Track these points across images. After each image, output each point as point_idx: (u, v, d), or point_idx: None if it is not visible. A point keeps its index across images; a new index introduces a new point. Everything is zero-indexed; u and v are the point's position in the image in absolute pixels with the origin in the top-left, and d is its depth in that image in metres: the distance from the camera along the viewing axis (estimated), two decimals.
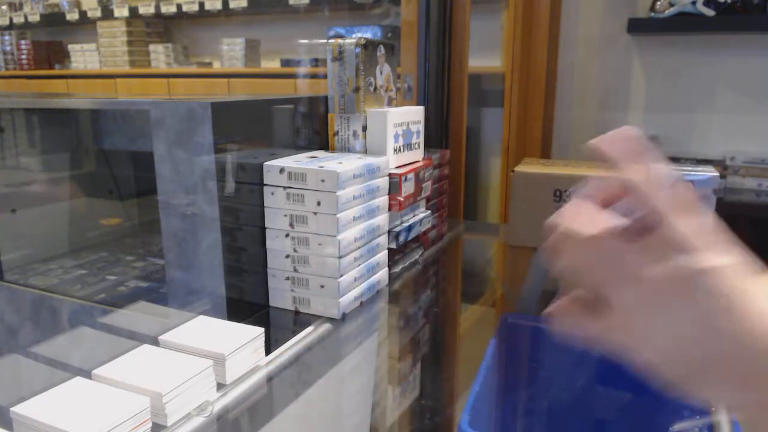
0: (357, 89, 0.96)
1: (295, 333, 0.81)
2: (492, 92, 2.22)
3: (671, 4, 1.80)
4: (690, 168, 1.12)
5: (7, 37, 3.83)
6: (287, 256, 0.85)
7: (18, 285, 1.09)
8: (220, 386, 0.65)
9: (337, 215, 0.81)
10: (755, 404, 0.28)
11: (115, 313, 0.96)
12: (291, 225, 0.84)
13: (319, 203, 0.81)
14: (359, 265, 0.88)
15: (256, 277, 0.88)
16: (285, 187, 0.83)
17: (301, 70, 2.72)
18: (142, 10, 3.30)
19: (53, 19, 3.69)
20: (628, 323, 0.32)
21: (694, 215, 0.30)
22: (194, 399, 0.61)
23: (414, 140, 1.05)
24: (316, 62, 2.67)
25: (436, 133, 1.44)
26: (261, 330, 0.71)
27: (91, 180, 1.37)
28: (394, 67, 1.07)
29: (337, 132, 0.98)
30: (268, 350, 0.73)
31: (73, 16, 3.58)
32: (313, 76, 2.72)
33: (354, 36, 0.96)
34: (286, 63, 2.98)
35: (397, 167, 0.99)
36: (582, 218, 0.33)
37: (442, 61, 1.41)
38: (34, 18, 3.74)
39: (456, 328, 0.97)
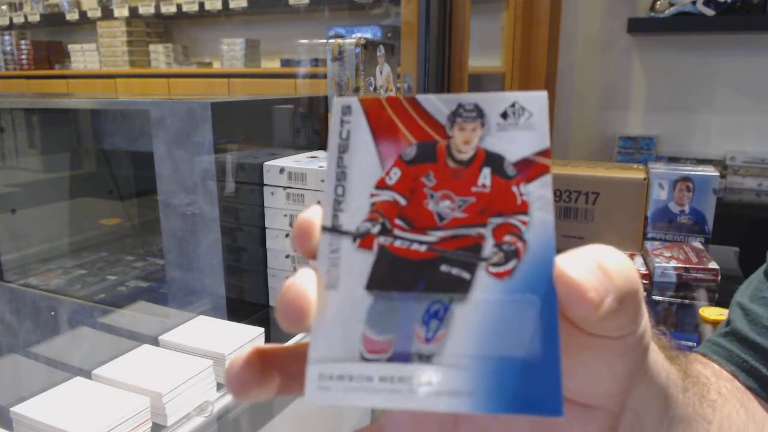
0: (357, 89, 0.96)
1: (295, 333, 0.81)
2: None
3: (671, 4, 1.80)
4: (690, 168, 1.12)
5: (7, 37, 3.83)
6: (287, 256, 0.85)
7: (18, 285, 1.09)
8: (220, 386, 0.65)
9: None
10: None
11: (115, 313, 0.96)
12: (291, 225, 0.84)
13: (319, 203, 0.81)
14: None
15: (256, 277, 0.88)
16: (285, 187, 0.83)
17: (301, 70, 2.72)
18: (142, 10, 3.30)
19: (53, 19, 3.68)
20: None
21: None
22: (194, 399, 0.61)
23: None
24: (316, 62, 2.67)
25: None
26: (261, 330, 0.71)
27: (91, 180, 1.38)
28: (394, 67, 1.07)
29: None
30: None
31: (73, 16, 3.57)
32: (313, 76, 2.72)
33: (354, 36, 0.96)
34: (286, 63, 2.98)
35: None
36: None
37: (442, 61, 1.41)
38: (34, 18, 3.74)
39: None
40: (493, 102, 0.20)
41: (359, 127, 0.21)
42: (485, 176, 0.20)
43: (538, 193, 0.20)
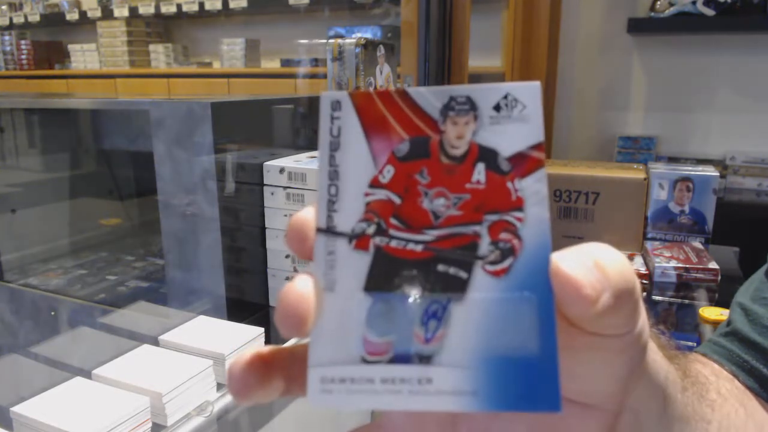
0: (357, 89, 0.96)
1: (294, 338, 0.81)
2: None
3: (671, 4, 1.80)
4: (690, 168, 1.12)
5: (7, 37, 3.83)
6: (287, 256, 0.85)
7: (18, 285, 1.09)
8: (220, 386, 0.65)
9: None
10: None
11: (115, 313, 0.96)
12: None
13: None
14: None
15: (256, 277, 0.88)
16: (285, 187, 0.83)
17: (301, 70, 2.72)
18: (142, 10, 3.29)
19: (53, 19, 3.68)
20: None
21: None
22: (194, 399, 0.61)
23: None
24: (316, 62, 2.67)
25: None
26: (261, 330, 0.71)
27: (91, 180, 1.38)
28: (394, 67, 1.07)
29: None
30: None
31: (73, 16, 3.57)
32: (313, 76, 2.72)
33: (354, 36, 0.96)
34: (286, 63, 2.98)
35: None
36: None
37: (442, 61, 1.41)
38: (34, 18, 3.74)
39: None
40: (486, 94, 0.20)
41: (350, 123, 0.21)
42: (479, 172, 0.20)
43: (533, 189, 0.20)
